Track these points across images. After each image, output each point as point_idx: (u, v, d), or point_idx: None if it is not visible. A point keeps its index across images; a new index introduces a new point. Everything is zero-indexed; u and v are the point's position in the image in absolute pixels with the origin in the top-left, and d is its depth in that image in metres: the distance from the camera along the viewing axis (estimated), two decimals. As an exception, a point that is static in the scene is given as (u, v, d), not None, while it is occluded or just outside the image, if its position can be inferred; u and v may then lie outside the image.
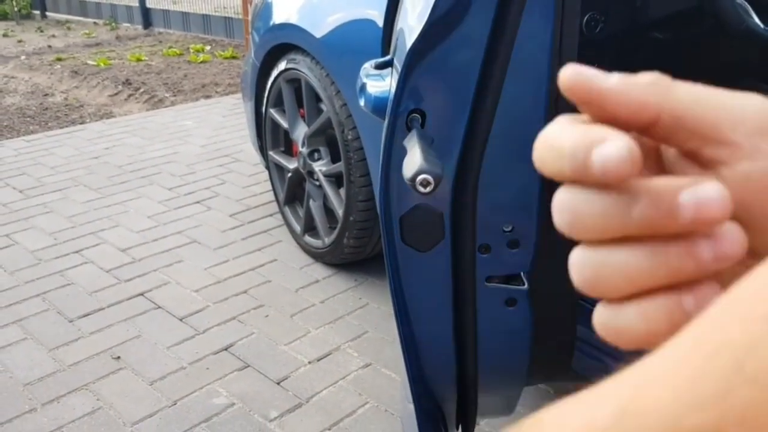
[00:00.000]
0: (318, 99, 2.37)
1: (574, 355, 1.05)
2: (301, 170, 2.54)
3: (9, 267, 2.60)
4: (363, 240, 2.34)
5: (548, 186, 0.81)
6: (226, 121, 4.49)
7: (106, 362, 2.03)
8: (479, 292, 0.83)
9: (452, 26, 0.70)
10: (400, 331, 0.83)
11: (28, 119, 4.71)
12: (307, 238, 2.60)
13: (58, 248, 2.74)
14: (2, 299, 2.38)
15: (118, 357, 2.06)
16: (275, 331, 2.16)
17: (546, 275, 0.88)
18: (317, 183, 2.48)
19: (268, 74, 2.61)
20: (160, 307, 2.31)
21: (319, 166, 2.45)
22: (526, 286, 0.84)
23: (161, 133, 4.27)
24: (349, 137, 2.20)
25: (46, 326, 2.22)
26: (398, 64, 0.85)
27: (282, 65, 2.49)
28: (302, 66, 2.37)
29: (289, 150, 2.71)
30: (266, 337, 2.14)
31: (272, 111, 2.65)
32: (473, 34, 0.70)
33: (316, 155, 2.47)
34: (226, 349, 2.08)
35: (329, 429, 1.76)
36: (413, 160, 0.62)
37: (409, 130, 0.73)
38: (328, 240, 2.46)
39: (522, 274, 0.84)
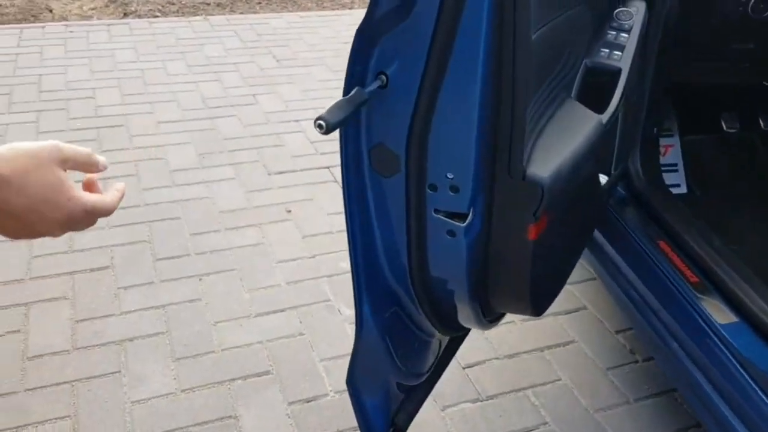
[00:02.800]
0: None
1: (531, 292, 1.24)
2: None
3: (245, 121, 3.24)
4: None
5: (484, 152, 1.01)
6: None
7: (280, 212, 2.55)
8: (428, 218, 1.08)
9: (405, 8, 0.92)
10: (351, 241, 1.12)
11: (310, -3, 5.37)
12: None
13: (284, 114, 3.32)
14: (229, 145, 3.01)
15: (290, 211, 2.56)
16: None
17: (504, 238, 1.10)
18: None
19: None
20: (336, 181, 2.77)
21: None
22: (464, 223, 1.07)
23: (334, 37, 4.63)
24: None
25: (250, 173, 2.80)
26: None
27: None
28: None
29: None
30: (405, 228, 2.49)
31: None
32: (423, 16, 0.92)
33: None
34: (369, 228, 2.48)
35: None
36: (329, 105, 0.89)
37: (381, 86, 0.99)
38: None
39: (467, 211, 1.06)
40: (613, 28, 1.52)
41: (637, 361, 1.95)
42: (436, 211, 1.06)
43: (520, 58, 0.96)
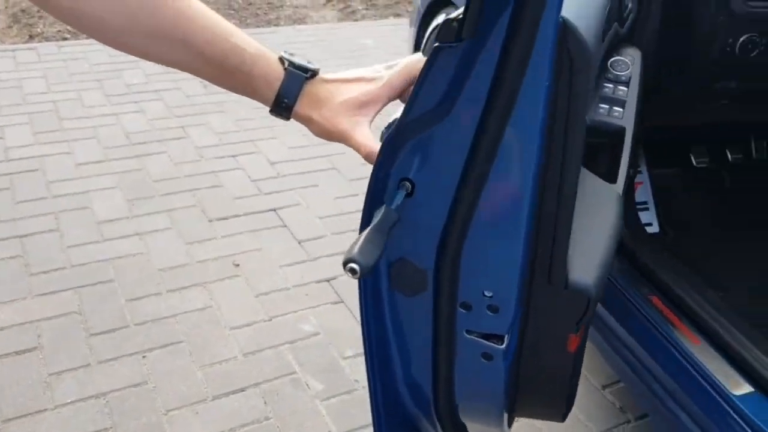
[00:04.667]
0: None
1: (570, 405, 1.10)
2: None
3: (175, 158, 2.96)
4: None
5: (530, 268, 0.85)
6: (404, 46, 4.57)
7: (227, 267, 2.32)
8: (458, 340, 0.90)
9: (442, 110, 0.75)
10: (369, 365, 0.94)
11: (232, 12, 5.09)
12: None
13: (218, 149, 3.06)
14: (162, 187, 2.74)
15: (238, 264, 2.33)
16: (376, 275, 2.32)
17: (540, 350, 0.94)
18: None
19: (430, 23, 2.65)
20: (285, 226, 2.55)
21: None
22: (503, 345, 0.90)
23: (341, 48, 4.46)
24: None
25: (188, 221, 2.54)
26: None
27: (440, 19, 2.52)
28: (458, 25, 2.38)
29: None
30: (366, 278, 2.30)
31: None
32: (464, 118, 0.75)
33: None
34: (327, 281, 2.28)
35: (391, 380, 1.92)
36: (352, 247, 0.70)
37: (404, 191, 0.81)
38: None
39: (507, 332, 0.90)
40: (609, 80, 1.39)
41: (629, 421, 1.83)
42: (469, 332, 0.89)
43: (570, 155, 0.80)
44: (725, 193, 2.25)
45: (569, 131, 0.78)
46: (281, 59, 0.82)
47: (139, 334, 2.00)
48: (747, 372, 1.46)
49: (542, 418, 1.16)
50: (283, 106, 0.82)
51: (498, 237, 0.81)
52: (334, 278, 2.29)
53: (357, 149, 0.82)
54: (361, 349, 1.97)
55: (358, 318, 2.06)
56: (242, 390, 1.84)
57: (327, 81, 0.84)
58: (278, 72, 0.81)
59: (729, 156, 2.27)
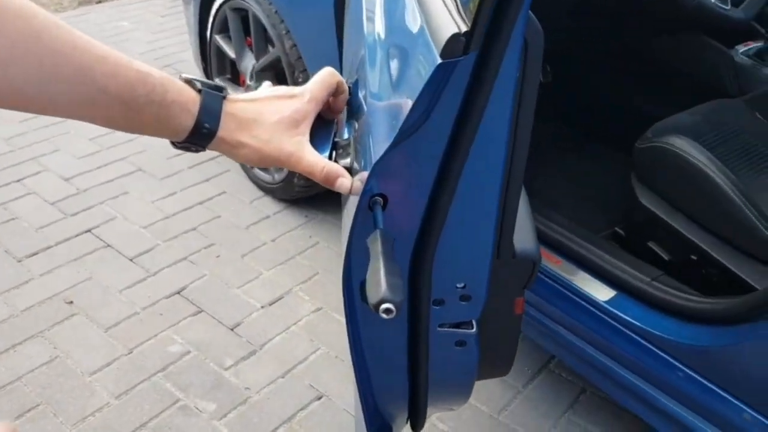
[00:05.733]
0: (267, 31, 2.30)
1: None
2: (249, 104, 2.50)
3: (-53, 198, 2.54)
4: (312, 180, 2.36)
5: (498, 253, 0.87)
6: (165, 23, 4.28)
7: (60, 307, 2.06)
8: (431, 336, 0.90)
9: (415, 132, 0.72)
10: (357, 375, 0.91)
11: (-51, 14, 4.37)
12: (257, 171, 2.60)
13: (-3, 176, 2.67)
14: (-56, 236, 2.34)
15: (71, 302, 2.08)
16: (227, 273, 2.21)
17: (491, 318, 0.97)
18: (266, 119, 2.45)
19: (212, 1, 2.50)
20: (109, 246, 2.32)
21: (268, 103, 2.41)
22: (474, 330, 0.91)
23: (99, 35, 4.04)
24: (300, 80, 2.17)
25: (-7, 267, 2.21)
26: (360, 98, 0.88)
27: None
28: (249, -3, 2.27)
29: (235, 78, 2.65)
30: (218, 280, 2.19)
31: (217, 38, 2.56)
32: (435, 134, 0.73)
33: (264, 91, 2.42)
34: (178, 293, 2.13)
35: (282, 377, 1.86)
36: (377, 286, 0.66)
37: (371, 209, 0.77)
38: (278, 176, 2.47)
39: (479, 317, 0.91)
40: None
41: (519, 391, 1.87)
42: (441, 326, 0.89)
43: (521, 141, 0.82)
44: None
45: (521, 118, 0.79)
46: (188, 80, 0.72)
47: (-16, 412, 1.73)
48: (607, 278, 1.63)
49: (492, 377, 1.20)
50: (203, 132, 0.72)
51: (470, 231, 0.81)
52: (184, 288, 2.15)
53: (310, 171, 0.75)
54: (241, 354, 1.90)
55: (225, 324, 1.99)
56: (130, 436, 1.68)
57: (246, 101, 0.76)
58: (192, 95, 0.71)
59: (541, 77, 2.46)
